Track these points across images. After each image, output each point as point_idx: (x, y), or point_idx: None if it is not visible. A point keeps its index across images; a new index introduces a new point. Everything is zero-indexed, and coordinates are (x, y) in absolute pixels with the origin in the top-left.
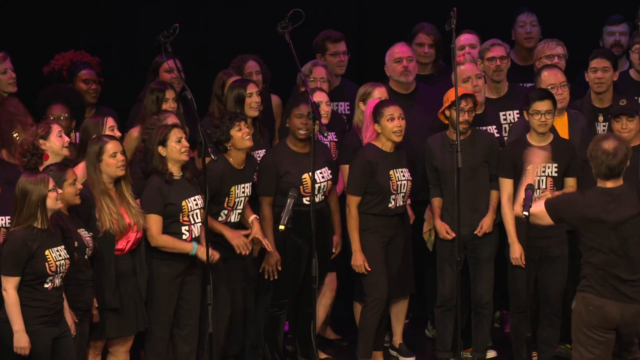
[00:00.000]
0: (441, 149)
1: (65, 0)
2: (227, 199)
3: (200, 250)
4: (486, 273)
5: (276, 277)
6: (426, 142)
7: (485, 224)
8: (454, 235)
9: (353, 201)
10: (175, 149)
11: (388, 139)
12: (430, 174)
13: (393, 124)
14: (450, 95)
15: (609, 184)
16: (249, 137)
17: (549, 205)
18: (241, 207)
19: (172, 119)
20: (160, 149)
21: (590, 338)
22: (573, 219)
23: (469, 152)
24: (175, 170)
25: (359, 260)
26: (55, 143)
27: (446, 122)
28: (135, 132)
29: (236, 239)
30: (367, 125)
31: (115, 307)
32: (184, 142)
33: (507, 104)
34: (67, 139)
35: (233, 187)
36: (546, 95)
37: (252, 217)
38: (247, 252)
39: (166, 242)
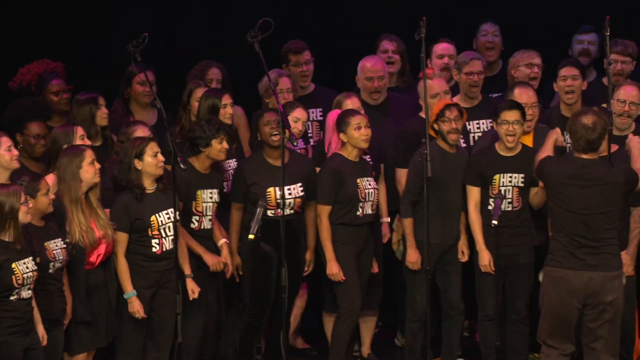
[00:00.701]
0: (439, 158)
1: (35, 9)
2: (194, 202)
3: (131, 303)
4: (457, 281)
5: (237, 281)
6: (415, 154)
7: (465, 246)
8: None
9: (324, 211)
10: (152, 163)
11: (355, 146)
12: (417, 187)
13: (360, 132)
14: (434, 109)
15: (585, 156)
16: (224, 152)
17: (541, 161)
18: (210, 213)
19: (141, 130)
20: (136, 162)
21: (554, 311)
22: (550, 174)
23: (453, 164)
24: (148, 183)
25: (334, 269)
26: (4, 157)
27: (435, 135)
28: None
29: (211, 259)
30: (331, 136)
31: (87, 320)
32: (160, 157)
33: (481, 113)
34: (16, 152)
35: (199, 191)
36: (515, 105)
37: (222, 242)
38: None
39: (120, 267)
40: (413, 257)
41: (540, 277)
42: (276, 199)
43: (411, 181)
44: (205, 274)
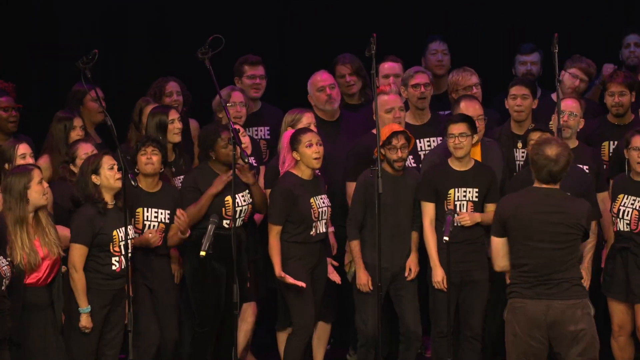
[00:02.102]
0: (385, 183)
1: None
2: (133, 220)
3: (84, 318)
4: (413, 305)
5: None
6: (360, 178)
7: (414, 264)
8: (370, 289)
9: (274, 230)
10: (109, 175)
11: (307, 165)
12: (360, 212)
13: (312, 150)
14: (383, 134)
15: (544, 187)
16: (151, 163)
17: (500, 203)
18: (155, 230)
19: (83, 148)
20: (94, 177)
21: (520, 345)
22: (508, 212)
23: (400, 187)
24: (108, 198)
25: (288, 280)
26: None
27: (382, 158)
28: (43, 162)
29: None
30: (285, 154)
31: (16, 342)
32: (116, 169)
33: (430, 131)
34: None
35: (140, 209)
36: (461, 119)
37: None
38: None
39: (77, 281)
40: (363, 279)
41: (505, 314)
42: (233, 207)
43: (353, 207)
44: (158, 294)
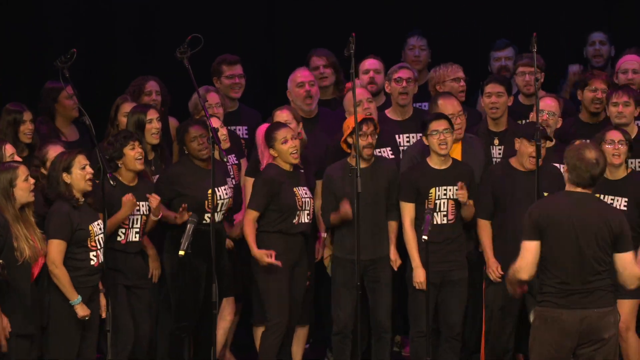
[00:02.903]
0: (342, 176)
1: None
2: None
3: (80, 308)
4: (386, 298)
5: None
6: (325, 172)
7: (394, 254)
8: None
9: (250, 215)
10: (80, 175)
11: (286, 161)
12: (330, 204)
13: (287, 145)
14: (350, 123)
15: (579, 191)
16: (140, 158)
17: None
18: (138, 225)
19: (53, 150)
20: (65, 175)
21: (547, 354)
22: (541, 217)
23: (371, 178)
24: (79, 196)
25: (263, 259)
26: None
27: (349, 150)
28: None
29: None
30: (262, 151)
31: (31, 333)
32: (88, 169)
33: (411, 126)
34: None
35: None
36: (440, 116)
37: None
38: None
39: (62, 276)
40: (420, 277)
41: (531, 318)
42: (215, 200)
43: (325, 200)
44: (134, 293)
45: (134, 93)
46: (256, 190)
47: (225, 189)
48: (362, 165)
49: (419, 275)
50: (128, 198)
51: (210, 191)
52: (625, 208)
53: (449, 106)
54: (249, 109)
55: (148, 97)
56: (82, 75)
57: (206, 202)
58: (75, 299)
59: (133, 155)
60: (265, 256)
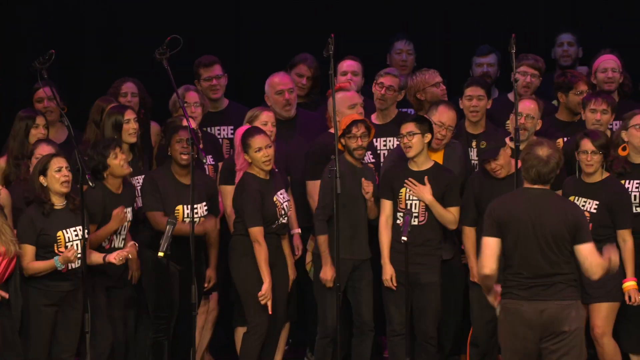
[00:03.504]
0: (348, 173)
1: None
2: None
3: (62, 258)
4: (368, 297)
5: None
6: (325, 169)
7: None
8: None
9: (259, 233)
10: (55, 178)
11: (259, 169)
12: (329, 203)
13: (261, 154)
14: (342, 123)
15: (536, 187)
16: (125, 163)
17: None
18: (124, 232)
19: (42, 149)
20: (41, 178)
21: (514, 345)
22: (502, 213)
23: (354, 179)
24: (57, 200)
25: (268, 292)
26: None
27: (343, 149)
28: (3, 162)
29: (113, 256)
30: (239, 152)
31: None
32: (65, 172)
33: (389, 130)
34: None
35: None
36: (412, 118)
37: (131, 243)
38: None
39: (35, 268)
40: (328, 275)
41: (497, 312)
42: (184, 217)
43: (323, 198)
44: (112, 294)
45: (112, 95)
46: (248, 208)
47: (201, 207)
48: (356, 164)
49: (386, 272)
50: (117, 213)
51: (178, 207)
52: (595, 211)
53: (444, 116)
54: (238, 106)
55: (124, 99)
56: (54, 76)
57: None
58: (54, 264)
59: (118, 163)
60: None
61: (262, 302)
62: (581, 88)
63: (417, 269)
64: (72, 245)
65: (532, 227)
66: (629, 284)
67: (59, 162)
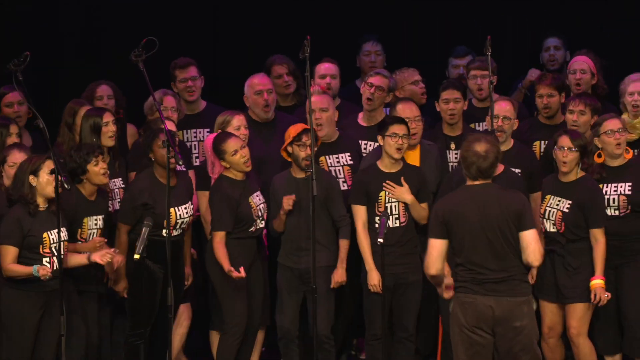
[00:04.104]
0: (285, 186)
1: None
2: (79, 230)
3: (41, 269)
4: (325, 307)
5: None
6: (273, 180)
7: (337, 275)
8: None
9: (218, 236)
10: (47, 180)
11: (239, 171)
12: (274, 211)
13: (238, 156)
14: (291, 132)
15: (477, 183)
16: (105, 172)
17: (431, 218)
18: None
19: (14, 155)
20: (32, 178)
21: (467, 339)
22: (447, 212)
23: (308, 187)
24: (41, 201)
25: (235, 274)
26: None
27: (289, 159)
28: None
29: (98, 256)
30: (212, 161)
31: None
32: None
33: (370, 135)
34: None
35: (86, 219)
36: (402, 120)
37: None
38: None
39: (14, 271)
40: (374, 280)
41: (450, 307)
42: (177, 219)
43: (270, 209)
44: (87, 297)
45: (87, 98)
46: (217, 210)
47: (186, 208)
48: (301, 175)
49: (373, 278)
50: (94, 243)
51: (171, 210)
52: (567, 210)
53: (407, 111)
54: (215, 107)
55: (99, 102)
56: (29, 78)
57: (165, 222)
58: (32, 271)
59: (97, 170)
60: (235, 272)
61: (236, 277)
62: (541, 91)
63: (402, 269)
64: (42, 268)
65: (479, 223)
66: (596, 282)
67: (51, 165)
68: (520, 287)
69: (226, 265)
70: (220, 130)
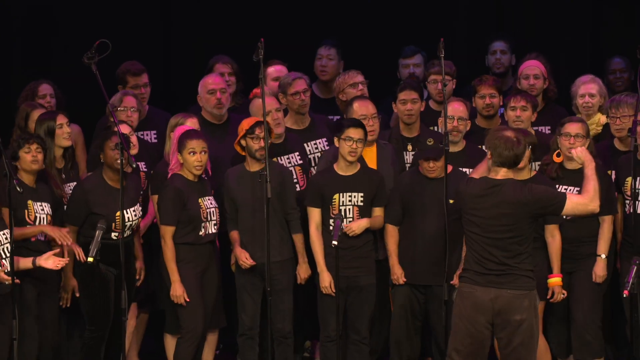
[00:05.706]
0: (238, 180)
1: None
2: (26, 211)
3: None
4: (285, 303)
5: (68, 305)
6: (225, 173)
7: (302, 270)
8: (252, 263)
9: (168, 231)
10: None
11: (189, 171)
12: (228, 207)
13: (194, 158)
14: (244, 125)
15: (498, 176)
16: (34, 160)
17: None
18: (45, 224)
19: None
20: None
21: (464, 328)
22: (460, 195)
23: (253, 183)
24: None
25: (178, 291)
26: None
27: (243, 153)
28: None
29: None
30: (174, 151)
31: None
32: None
33: (314, 134)
34: None
35: (30, 202)
36: (359, 124)
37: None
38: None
39: None
40: (326, 281)
41: (454, 296)
42: (124, 221)
43: (225, 203)
44: (42, 299)
45: (27, 97)
46: (165, 204)
47: (134, 210)
48: (255, 168)
49: (324, 280)
50: (49, 255)
51: (117, 213)
52: None
53: (363, 108)
54: (158, 111)
55: (42, 100)
56: None
57: (114, 224)
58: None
59: (27, 158)
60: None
61: (176, 302)
62: (483, 91)
63: (355, 272)
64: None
65: (487, 216)
66: (554, 280)
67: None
68: (522, 281)
69: (171, 265)
70: (191, 128)
